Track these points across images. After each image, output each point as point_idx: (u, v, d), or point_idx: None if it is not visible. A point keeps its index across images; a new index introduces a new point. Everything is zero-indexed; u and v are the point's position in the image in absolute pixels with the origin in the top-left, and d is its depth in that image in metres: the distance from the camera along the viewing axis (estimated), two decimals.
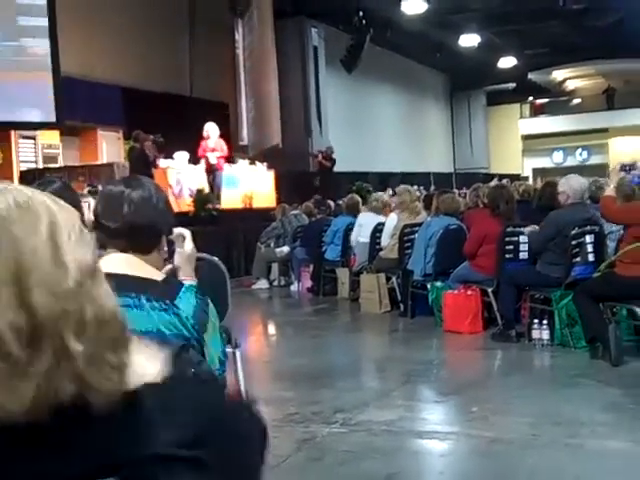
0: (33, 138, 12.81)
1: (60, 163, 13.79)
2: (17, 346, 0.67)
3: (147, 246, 1.95)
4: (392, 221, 8.86)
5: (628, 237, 5.76)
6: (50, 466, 0.70)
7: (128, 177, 2.07)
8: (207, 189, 13.19)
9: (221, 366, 1.87)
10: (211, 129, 13.86)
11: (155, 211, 1.95)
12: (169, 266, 2.10)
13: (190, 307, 1.83)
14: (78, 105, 13.94)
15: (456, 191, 13.70)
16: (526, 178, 25.81)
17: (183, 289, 1.88)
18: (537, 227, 6.56)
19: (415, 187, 14.72)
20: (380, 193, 11.17)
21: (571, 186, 6.40)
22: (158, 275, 1.91)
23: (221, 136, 14.14)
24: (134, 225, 1.90)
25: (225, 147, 13.96)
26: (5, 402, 0.67)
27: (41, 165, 13.38)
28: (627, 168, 5.85)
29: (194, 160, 13.81)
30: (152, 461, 0.71)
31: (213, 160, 13.59)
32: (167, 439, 0.72)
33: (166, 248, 2.04)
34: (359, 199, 10.81)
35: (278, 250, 11.40)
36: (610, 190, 6.16)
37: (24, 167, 13.03)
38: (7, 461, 0.69)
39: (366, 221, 9.57)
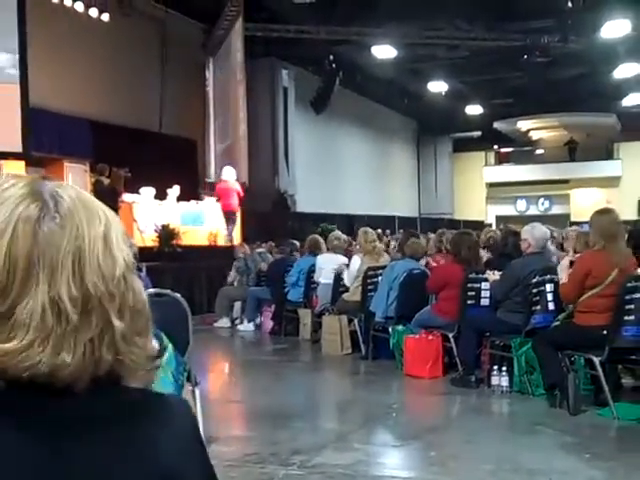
0: None
1: None
2: (73, 312, 0.84)
3: None
4: (356, 263, 8.89)
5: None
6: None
7: None
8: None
9: None
10: (227, 173, 14.73)
11: None
12: None
13: None
14: (45, 136, 13.83)
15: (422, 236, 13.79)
16: (490, 225, 26.14)
17: None
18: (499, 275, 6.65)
19: (379, 230, 14.83)
20: (338, 232, 11.09)
21: (534, 235, 6.52)
22: None
23: (188, 173, 14.17)
24: None
25: (241, 189, 14.78)
26: (63, 354, 0.84)
27: None
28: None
29: (160, 196, 13.76)
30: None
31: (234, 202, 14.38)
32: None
33: None
34: (320, 239, 10.69)
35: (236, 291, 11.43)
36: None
37: None
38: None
39: (325, 262, 9.57)
